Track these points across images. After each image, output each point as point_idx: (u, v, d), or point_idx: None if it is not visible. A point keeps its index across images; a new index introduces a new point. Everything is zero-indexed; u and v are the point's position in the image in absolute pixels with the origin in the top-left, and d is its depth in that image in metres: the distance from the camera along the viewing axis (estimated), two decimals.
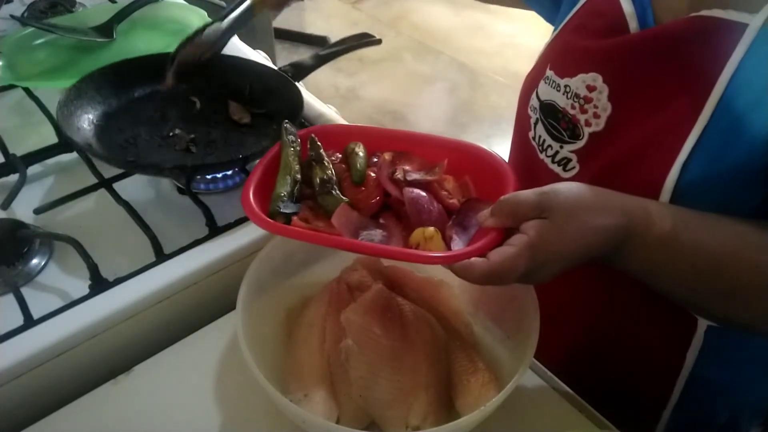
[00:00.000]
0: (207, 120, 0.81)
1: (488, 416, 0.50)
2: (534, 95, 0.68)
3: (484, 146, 0.63)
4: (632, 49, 0.58)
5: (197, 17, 1.00)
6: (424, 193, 0.57)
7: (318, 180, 0.58)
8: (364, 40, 0.90)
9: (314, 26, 3.26)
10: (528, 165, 0.70)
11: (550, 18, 0.76)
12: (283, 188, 0.57)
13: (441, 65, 3.02)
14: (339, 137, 0.64)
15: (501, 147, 2.54)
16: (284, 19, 3.22)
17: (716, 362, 0.65)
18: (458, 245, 0.52)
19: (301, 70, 0.86)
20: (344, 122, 0.87)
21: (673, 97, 0.55)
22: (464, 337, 0.61)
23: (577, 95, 0.62)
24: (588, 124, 0.61)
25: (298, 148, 0.62)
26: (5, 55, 0.90)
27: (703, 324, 0.61)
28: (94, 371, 0.60)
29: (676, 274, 0.51)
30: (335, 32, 3.09)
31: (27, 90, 0.88)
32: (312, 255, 0.65)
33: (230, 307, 0.55)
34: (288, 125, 0.63)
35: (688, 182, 0.54)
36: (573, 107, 0.62)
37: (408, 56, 3.09)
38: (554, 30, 0.70)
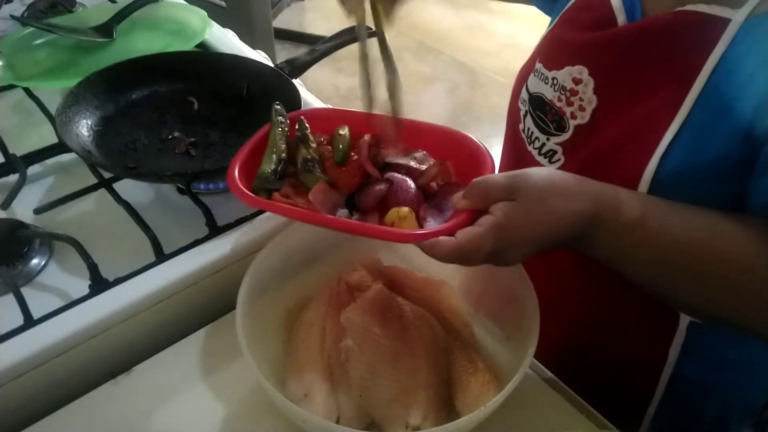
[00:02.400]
0: (205, 121, 0.81)
1: (488, 416, 0.50)
2: (524, 88, 0.69)
3: (485, 146, 0.63)
4: (618, 42, 0.59)
5: (197, 17, 1.00)
6: (401, 176, 0.59)
7: (301, 158, 0.60)
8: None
9: (314, 26, 3.26)
10: (517, 157, 0.70)
11: (549, 11, 0.77)
12: (268, 166, 0.60)
13: (441, 65, 3.02)
14: (329, 121, 0.66)
15: (501, 147, 2.54)
16: (284, 19, 3.22)
17: (699, 359, 0.65)
18: (431, 226, 0.54)
19: (297, 67, 0.86)
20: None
21: (655, 90, 0.56)
22: (464, 337, 0.61)
23: (563, 88, 0.62)
24: (573, 116, 0.62)
25: (286, 129, 0.64)
26: (5, 55, 0.90)
27: (685, 320, 0.62)
28: (94, 371, 0.60)
29: (642, 262, 0.52)
30: (335, 32, 3.09)
31: (27, 90, 0.88)
32: (312, 255, 0.65)
33: (230, 307, 0.55)
34: (279, 106, 0.65)
35: (666, 174, 0.54)
36: (560, 100, 0.63)
37: (408, 56, 3.09)
38: (549, 24, 0.70)
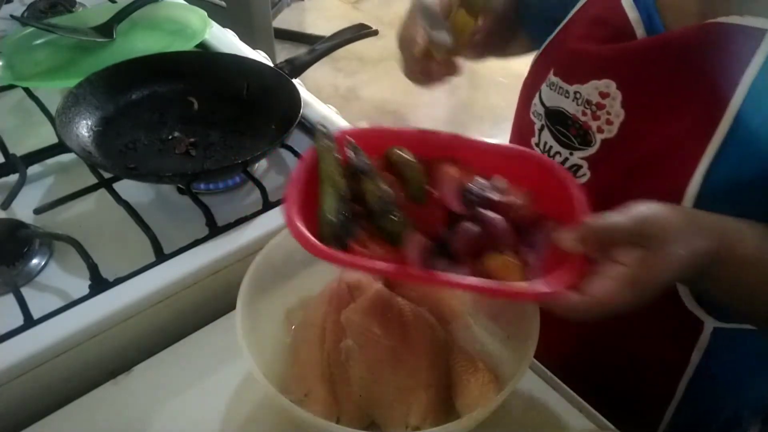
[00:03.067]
0: (205, 121, 0.81)
1: (488, 416, 0.50)
2: (537, 101, 0.67)
3: (560, 166, 0.61)
4: (646, 55, 0.58)
5: (197, 17, 1.00)
6: (490, 213, 0.50)
7: (374, 199, 0.50)
8: (361, 32, 0.89)
9: (314, 26, 3.26)
10: None
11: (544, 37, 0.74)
12: (331, 208, 0.49)
13: None
14: (371, 140, 0.57)
15: None
16: (284, 19, 3.22)
17: (721, 360, 0.64)
18: (533, 269, 0.48)
19: (297, 67, 0.86)
20: (344, 122, 0.86)
21: (690, 103, 0.55)
22: (464, 337, 0.61)
23: (588, 102, 0.61)
24: (600, 130, 0.60)
25: (338, 157, 0.53)
26: (5, 55, 0.90)
27: (710, 325, 0.61)
28: (94, 371, 0.60)
29: (760, 294, 0.51)
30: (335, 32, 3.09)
31: (27, 90, 0.88)
32: (312, 255, 0.64)
33: (230, 307, 0.55)
34: (324, 129, 0.55)
35: (711, 190, 0.53)
36: (584, 114, 0.61)
37: None
38: (553, 33, 0.69)
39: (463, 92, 2.85)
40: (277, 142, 0.72)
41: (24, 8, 1.09)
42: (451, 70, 0.61)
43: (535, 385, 0.60)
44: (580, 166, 0.63)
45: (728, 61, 0.53)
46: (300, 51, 0.88)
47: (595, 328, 0.69)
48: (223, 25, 1.09)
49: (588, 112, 0.61)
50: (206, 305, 0.66)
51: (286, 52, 2.97)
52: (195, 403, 0.58)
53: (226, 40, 1.04)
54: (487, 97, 2.80)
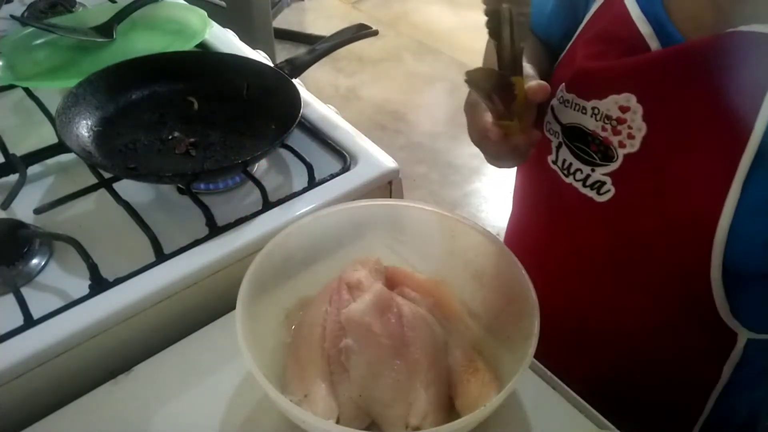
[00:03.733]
0: (205, 121, 0.81)
1: (488, 416, 0.50)
2: (550, 118, 0.65)
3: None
4: (664, 66, 0.56)
5: (197, 17, 1.00)
6: None
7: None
8: (360, 32, 0.89)
9: (314, 26, 3.26)
10: (549, 189, 0.68)
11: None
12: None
13: (441, 65, 3.02)
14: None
15: None
16: (284, 19, 3.22)
17: (753, 374, 0.64)
18: None
19: (297, 66, 0.86)
20: (345, 122, 0.86)
21: (716, 113, 0.54)
22: (464, 337, 0.61)
23: (608, 117, 0.59)
24: (622, 145, 0.59)
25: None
26: (5, 55, 0.90)
27: (743, 338, 0.61)
28: (94, 371, 0.60)
29: None
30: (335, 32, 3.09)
31: (27, 90, 0.87)
32: (312, 255, 0.65)
33: (230, 307, 0.55)
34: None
35: (751, 203, 0.52)
36: (604, 129, 0.60)
37: (408, 56, 3.09)
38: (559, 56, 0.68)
39: (463, 92, 2.83)
40: (278, 142, 0.72)
41: (24, 8, 1.09)
42: (532, 135, 0.59)
43: (535, 385, 0.60)
44: (603, 183, 0.62)
45: (753, 70, 0.51)
46: (300, 51, 0.88)
47: (627, 348, 0.69)
48: (223, 25, 1.09)
49: (608, 127, 0.60)
50: (206, 305, 0.66)
51: (286, 52, 2.97)
52: (195, 403, 0.58)
53: (226, 40, 1.04)
54: None
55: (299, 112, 0.74)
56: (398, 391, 0.53)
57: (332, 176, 0.76)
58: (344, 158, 0.79)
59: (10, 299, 0.59)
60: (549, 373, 0.61)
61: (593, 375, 0.65)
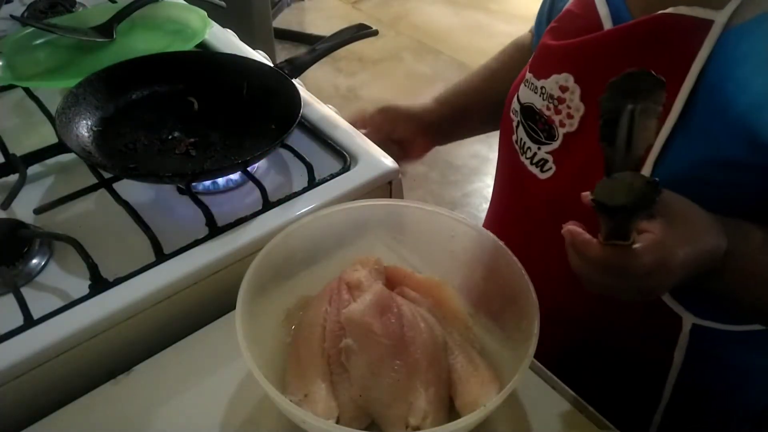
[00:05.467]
0: (205, 121, 0.81)
1: (488, 416, 0.50)
2: (515, 99, 0.68)
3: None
4: (601, 47, 0.59)
5: (197, 17, 1.00)
6: None
7: None
8: (360, 32, 0.89)
9: (314, 26, 3.26)
10: (511, 168, 0.70)
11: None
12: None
13: (441, 65, 3.02)
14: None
15: None
16: (284, 19, 3.22)
17: (703, 365, 0.65)
18: None
19: (297, 66, 0.85)
20: (345, 122, 0.86)
21: None
22: (464, 337, 0.61)
23: (551, 96, 0.62)
24: (562, 124, 0.61)
25: None
26: (5, 55, 0.90)
27: (688, 322, 0.62)
28: (94, 371, 0.60)
29: (757, 290, 0.52)
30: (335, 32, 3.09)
31: (27, 90, 0.87)
32: (312, 255, 0.65)
33: (230, 307, 0.55)
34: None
35: (663, 178, 0.53)
36: (548, 108, 0.63)
37: (408, 56, 3.09)
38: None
39: None
40: (278, 142, 0.72)
41: (24, 8, 1.09)
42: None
43: (535, 385, 0.60)
44: (546, 161, 0.64)
45: (678, 52, 0.54)
46: (300, 51, 0.88)
47: (583, 324, 0.70)
48: (223, 25, 1.09)
49: (551, 106, 0.62)
50: (206, 305, 0.66)
51: (286, 52, 2.97)
52: (195, 403, 0.58)
53: (226, 40, 1.04)
54: None
55: (299, 111, 0.74)
56: (398, 391, 0.53)
57: (332, 176, 0.76)
58: (344, 158, 0.79)
59: (10, 299, 0.59)
60: (549, 373, 0.61)
61: (554, 360, 0.65)
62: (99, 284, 0.62)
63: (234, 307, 0.54)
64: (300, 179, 0.76)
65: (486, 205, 2.53)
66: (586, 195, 0.46)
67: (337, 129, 0.84)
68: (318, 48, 0.87)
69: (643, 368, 0.68)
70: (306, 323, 0.59)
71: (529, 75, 0.65)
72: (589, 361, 0.71)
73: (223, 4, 1.12)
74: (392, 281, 0.64)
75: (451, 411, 0.56)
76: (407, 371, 0.54)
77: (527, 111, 0.66)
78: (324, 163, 0.79)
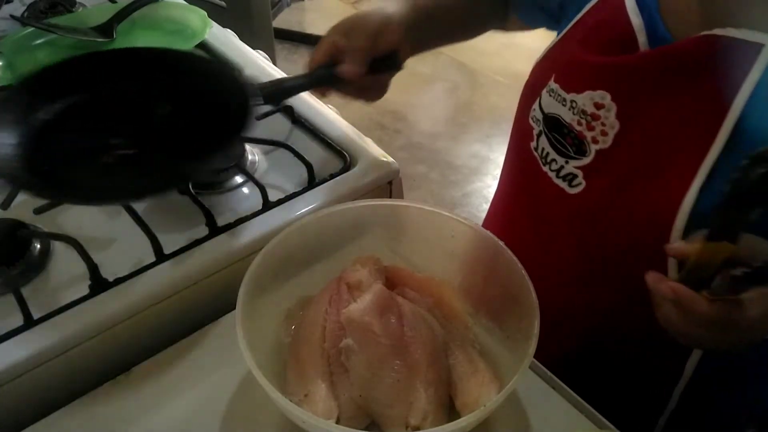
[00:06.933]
0: (149, 128, 0.66)
1: (488, 416, 0.50)
2: (537, 106, 0.66)
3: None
4: (642, 68, 0.57)
5: (197, 17, 1.00)
6: None
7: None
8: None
9: (314, 26, 3.26)
10: (529, 175, 0.68)
11: (555, 27, 0.74)
12: None
13: (441, 65, 3.02)
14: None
15: (501, 147, 2.54)
16: (284, 19, 3.22)
17: (714, 372, 0.64)
18: None
19: (283, 90, 0.70)
20: (345, 122, 0.86)
21: (685, 116, 0.54)
22: (464, 337, 0.61)
23: (583, 112, 0.60)
24: (595, 141, 0.60)
25: None
26: (5, 55, 0.90)
27: None
28: (94, 371, 0.60)
29: None
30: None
31: None
32: (312, 255, 0.65)
33: (230, 307, 0.55)
34: None
35: (706, 206, 0.53)
36: (579, 123, 0.61)
37: None
38: (557, 36, 0.69)
39: (463, 92, 2.85)
40: (224, 153, 0.66)
41: (24, 8, 1.09)
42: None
43: (535, 385, 0.60)
44: (575, 175, 0.62)
45: (725, 75, 0.52)
46: (300, 51, 0.87)
47: (596, 333, 0.69)
48: (223, 25, 1.09)
49: (583, 122, 0.60)
50: (206, 305, 0.66)
51: (286, 51, 2.97)
52: (195, 403, 0.58)
53: (226, 40, 1.04)
54: (487, 97, 2.80)
55: (250, 111, 0.62)
56: (398, 391, 0.53)
57: (332, 176, 0.76)
58: (344, 158, 0.79)
59: (10, 299, 0.59)
60: (549, 373, 0.61)
61: (562, 361, 0.65)
62: (99, 284, 0.62)
63: (234, 307, 0.54)
64: (300, 179, 0.76)
65: (486, 205, 2.52)
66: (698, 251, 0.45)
67: (337, 129, 0.84)
68: (315, 74, 0.69)
69: (653, 377, 0.67)
70: (306, 323, 0.59)
71: (554, 85, 0.63)
72: (597, 367, 0.70)
73: (223, 4, 1.12)
74: (392, 281, 0.64)
75: (451, 411, 0.56)
76: (407, 371, 0.54)
77: (552, 122, 0.64)
78: (324, 163, 0.79)
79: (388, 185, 0.79)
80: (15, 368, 0.56)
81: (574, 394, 0.60)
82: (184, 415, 0.57)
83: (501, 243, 0.60)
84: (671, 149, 0.55)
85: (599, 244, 0.63)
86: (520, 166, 0.72)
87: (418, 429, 0.51)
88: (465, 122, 2.67)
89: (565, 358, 0.67)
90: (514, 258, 0.58)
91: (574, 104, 0.61)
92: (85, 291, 0.62)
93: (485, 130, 2.61)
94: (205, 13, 1.00)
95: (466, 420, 0.48)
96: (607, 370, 0.70)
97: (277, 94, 0.69)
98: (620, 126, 0.58)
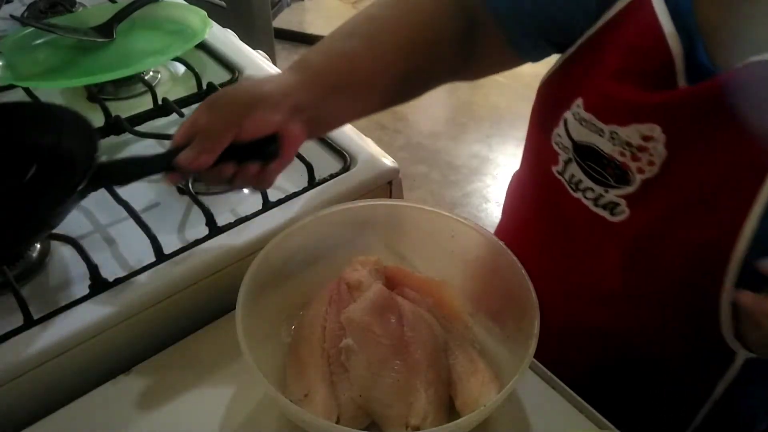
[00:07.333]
0: None
1: (488, 416, 0.50)
2: (562, 132, 0.62)
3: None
4: (694, 101, 0.54)
5: (197, 17, 1.00)
6: None
7: None
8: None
9: (314, 26, 3.26)
10: (554, 199, 0.66)
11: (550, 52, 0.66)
12: None
13: None
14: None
15: (501, 147, 2.55)
16: (284, 19, 3.22)
17: (744, 392, 0.64)
18: None
19: (113, 173, 0.59)
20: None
21: (740, 141, 0.52)
22: (464, 337, 0.61)
23: (628, 144, 0.57)
24: (641, 171, 0.57)
25: None
26: (5, 55, 0.90)
27: (741, 357, 0.60)
28: (94, 371, 0.60)
29: None
30: None
31: (27, 90, 0.87)
32: (312, 255, 0.65)
33: (230, 307, 0.55)
34: None
35: (766, 235, 0.52)
36: (623, 155, 0.57)
37: None
38: (566, 54, 0.63)
39: (463, 92, 2.85)
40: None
41: (24, 8, 1.09)
42: None
43: (535, 385, 0.60)
44: (617, 204, 0.59)
45: None
46: (300, 51, 0.88)
47: (624, 353, 0.67)
48: (223, 25, 1.09)
49: (627, 153, 0.57)
50: (206, 305, 0.66)
51: (286, 52, 2.97)
52: (195, 403, 0.58)
53: (226, 40, 1.04)
54: (487, 97, 2.80)
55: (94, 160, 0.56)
56: (398, 391, 0.53)
57: (332, 176, 0.76)
58: (344, 158, 0.79)
59: (10, 299, 0.59)
60: (549, 373, 0.61)
61: (587, 374, 0.65)
62: (99, 284, 0.62)
63: (234, 307, 0.54)
64: (300, 179, 0.76)
65: (486, 205, 2.51)
66: None
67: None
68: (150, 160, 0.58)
69: (680, 396, 0.66)
70: (306, 323, 0.59)
71: (585, 114, 0.59)
72: (624, 383, 0.69)
73: (223, 4, 1.12)
74: (392, 281, 0.64)
75: (451, 411, 0.56)
76: (407, 371, 0.54)
77: (587, 151, 0.60)
78: (324, 163, 0.79)
79: (388, 185, 0.79)
80: (15, 368, 0.56)
81: (574, 394, 0.60)
82: (184, 415, 0.57)
83: (501, 243, 0.60)
84: (726, 175, 0.53)
85: (647, 269, 0.61)
86: (541, 189, 0.69)
87: (418, 429, 0.51)
88: (465, 122, 2.67)
89: (593, 373, 0.67)
90: (514, 258, 0.58)
91: (615, 135, 0.57)
92: (85, 291, 0.62)
93: (485, 130, 2.61)
94: (205, 13, 1.00)
95: (466, 420, 0.48)
96: (634, 386, 0.69)
97: (105, 179, 0.59)
98: (668, 154, 0.55)
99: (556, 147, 0.63)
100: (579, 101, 0.59)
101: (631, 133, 0.56)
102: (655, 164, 0.56)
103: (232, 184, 0.58)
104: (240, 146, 0.54)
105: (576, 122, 0.60)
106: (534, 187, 0.71)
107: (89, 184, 0.56)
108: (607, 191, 0.60)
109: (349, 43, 0.63)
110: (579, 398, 0.59)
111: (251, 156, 0.56)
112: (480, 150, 2.48)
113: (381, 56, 0.62)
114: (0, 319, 0.59)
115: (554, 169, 0.64)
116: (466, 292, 0.64)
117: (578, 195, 0.62)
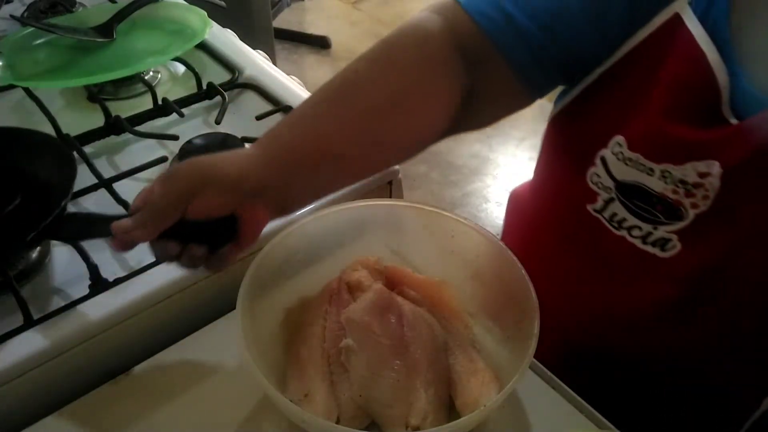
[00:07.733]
0: None
1: (488, 416, 0.50)
2: (601, 172, 0.60)
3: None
4: (753, 134, 0.52)
5: (197, 17, 1.00)
6: None
7: None
8: None
9: (314, 26, 3.26)
10: (590, 236, 0.64)
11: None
12: None
13: None
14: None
15: (501, 147, 2.55)
16: (284, 19, 3.22)
17: None
18: None
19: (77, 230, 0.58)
20: None
21: None
22: (464, 337, 0.61)
23: (683, 182, 0.55)
24: (695, 206, 0.55)
25: None
26: (5, 55, 0.90)
27: None
28: (94, 371, 0.60)
29: None
30: (335, 32, 3.09)
31: (27, 90, 0.88)
32: (312, 255, 0.65)
33: (230, 307, 0.55)
34: None
35: None
36: (675, 192, 0.56)
37: None
38: (581, 84, 0.61)
39: None
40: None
41: (24, 8, 1.10)
42: None
43: (535, 385, 0.60)
44: (668, 239, 0.58)
45: None
46: (300, 51, 0.87)
47: (665, 373, 0.66)
48: (223, 25, 1.09)
49: (681, 191, 0.55)
50: (206, 305, 0.66)
51: (286, 52, 2.97)
52: (195, 403, 0.58)
53: (226, 40, 1.04)
54: None
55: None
56: (398, 391, 0.53)
57: None
58: None
59: (10, 299, 0.59)
60: (549, 373, 0.61)
61: (600, 385, 0.64)
62: (99, 284, 0.62)
63: (234, 307, 0.54)
64: None
65: (486, 205, 2.51)
66: None
67: None
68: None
69: (723, 412, 0.65)
70: (306, 323, 0.60)
71: (632, 154, 0.56)
72: (663, 397, 0.68)
73: (223, 4, 1.12)
74: (392, 281, 0.64)
75: (451, 411, 0.56)
76: (407, 371, 0.54)
77: (634, 191, 0.58)
78: None
79: (388, 185, 0.79)
80: (15, 368, 0.56)
81: (574, 394, 0.60)
82: (184, 415, 0.57)
83: (501, 243, 0.60)
84: None
85: (703, 298, 0.60)
86: (572, 226, 0.66)
87: (418, 429, 0.51)
88: None
89: (634, 390, 0.66)
90: (514, 258, 0.58)
91: (667, 174, 0.55)
92: (85, 291, 0.62)
93: (485, 130, 2.60)
94: (205, 13, 1.00)
95: (466, 420, 0.48)
96: (672, 404, 0.68)
97: (53, 233, 0.57)
98: (721, 186, 0.54)
99: (593, 187, 0.61)
100: (619, 139, 0.57)
101: (688, 171, 0.54)
102: (709, 197, 0.54)
103: (180, 262, 0.54)
104: (191, 225, 0.51)
105: (619, 162, 0.58)
106: (561, 222, 0.69)
107: (39, 234, 0.54)
108: (656, 228, 0.58)
109: (319, 109, 0.57)
110: (579, 398, 0.59)
111: (200, 238, 0.52)
112: (480, 150, 2.48)
113: (349, 124, 0.56)
114: (0, 319, 0.59)
115: (590, 207, 0.62)
116: (466, 292, 0.64)
117: (622, 233, 0.60)
